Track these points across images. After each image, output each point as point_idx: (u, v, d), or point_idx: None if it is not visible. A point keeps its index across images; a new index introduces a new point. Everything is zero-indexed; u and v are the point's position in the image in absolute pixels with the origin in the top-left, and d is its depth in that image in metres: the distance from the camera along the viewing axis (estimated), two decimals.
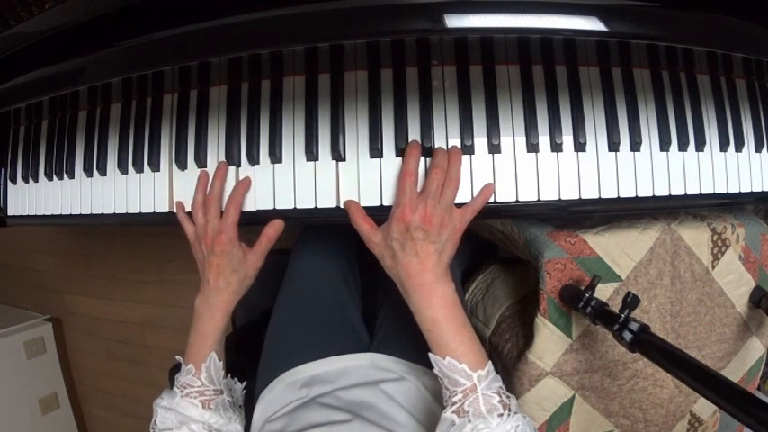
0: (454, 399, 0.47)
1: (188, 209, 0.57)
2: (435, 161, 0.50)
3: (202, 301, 0.56)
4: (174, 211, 0.58)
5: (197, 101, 0.57)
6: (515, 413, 0.45)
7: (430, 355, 0.49)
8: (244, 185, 0.55)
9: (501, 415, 0.44)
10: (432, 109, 0.52)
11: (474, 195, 0.52)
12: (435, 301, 0.49)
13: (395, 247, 0.49)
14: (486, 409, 0.44)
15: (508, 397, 0.46)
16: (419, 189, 0.50)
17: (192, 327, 0.57)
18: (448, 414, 0.47)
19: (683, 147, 0.55)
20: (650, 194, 0.54)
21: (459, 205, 0.51)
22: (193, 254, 0.57)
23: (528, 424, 0.45)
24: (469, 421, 0.44)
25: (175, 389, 0.55)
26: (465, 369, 0.46)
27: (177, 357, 0.57)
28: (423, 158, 0.52)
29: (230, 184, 0.55)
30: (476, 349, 0.48)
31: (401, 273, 0.50)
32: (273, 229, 0.55)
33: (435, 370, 0.49)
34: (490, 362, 0.48)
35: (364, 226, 0.51)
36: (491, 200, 0.52)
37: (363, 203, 0.53)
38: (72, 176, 0.65)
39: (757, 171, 0.58)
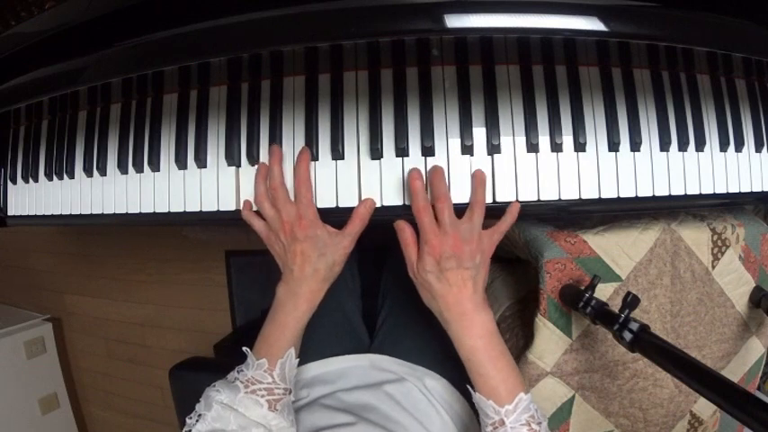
0: (486, 429, 0.48)
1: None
2: (434, 193, 0.48)
3: (286, 291, 0.52)
4: (239, 208, 0.54)
5: (197, 101, 0.57)
6: None
7: (468, 386, 0.50)
8: (305, 159, 0.51)
9: None
10: (432, 109, 0.52)
11: (501, 217, 0.51)
12: (476, 330, 0.49)
13: (430, 279, 0.49)
14: None
15: (539, 423, 0.47)
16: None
17: (269, 317, 0.52)
18: None
19: (682, 147, 0.55)
20: (650, 194, 0.54)
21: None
22: (269, 247, 0.53)
23: None
24: None
25: (238, 383, 0.49)
26: (492, 405, 0.47)
27: (245, 349, 0.52)
28: (423, 165, 0.52)
29: (238, 183, 0.55)
30: (512, 377, 0.49)
31: (440, 304, 0.49)
32: (366, 208, 0.51)
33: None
34: (522, 393, 0.48)
35: (411, 253, 0.50)
36: (491, 200, 0.52)
37: None
38: (72, 176, 0.65)
39: (757, 171, 0.58)
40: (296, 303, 0.51)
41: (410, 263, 0.51)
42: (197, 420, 0.47)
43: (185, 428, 0.47)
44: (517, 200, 0.52)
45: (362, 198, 0.53)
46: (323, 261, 0.51)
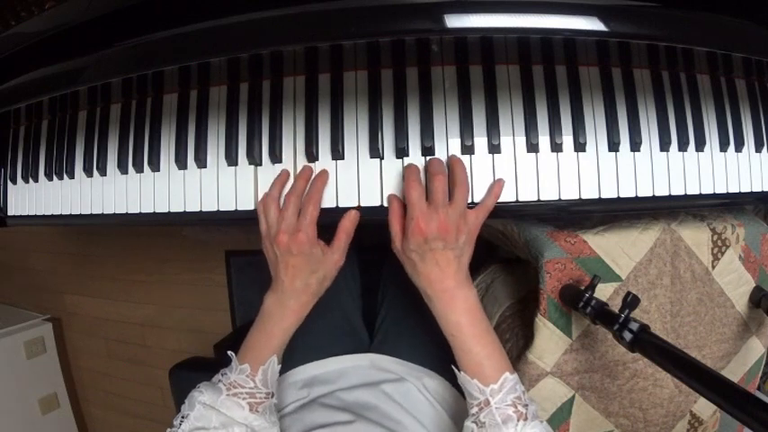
0: (472, 411, 0.48)
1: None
2: (432, 169, 0.49)
3: (275, 302, 0.52)
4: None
5: (197, 101, 0.57)
6: (532, 421, 0.45)
7: (452, 366, 0.50)
8: (323, 179, 0.52)
9: (516, 425, 0.44)
10: (432, 109, 0.52)
11: (483, 194, 0.51)
12: (459, 305, 0.49)
13: (414, 258, 0.49)
14: (502, 419, 0.45)
15: (525, 406, 0.46)
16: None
17: (255, 324, 0.53)
18: (468, 423, 0.48)
19: (682, 147, 0.55)
20: (650, 194, 0.54)
21: (471, 205, 0.51)
22: (264, 250, 0.53)
23: (546, 428, 0.46)
24: None
25: (220, 385, 0.51)
26: (477, 384, 0.47)
27: (229, 353, 0.53)
28: (423, 165, 0.52)
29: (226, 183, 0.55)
30: (497, 355, 0.49)
31: (423, 281, 0.50)
32: (350, 221, 0.52)
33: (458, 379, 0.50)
34: (507, 372, 0.48)
35: (395, 227, 0.50)
36: None
37: (363, 203, 0.53)
38: (72, 176, 0.65)
39: (757, 171, 0.58)
40: (283, 315, 0.52)
41: (394, 237, 0.50)
42: (181, 422, 0.48)
43: (171, 430, 0.48)
44: (517, 200, 0.52)
45: (361, 198, 0.53)
46: (314, 276, 0.52)
